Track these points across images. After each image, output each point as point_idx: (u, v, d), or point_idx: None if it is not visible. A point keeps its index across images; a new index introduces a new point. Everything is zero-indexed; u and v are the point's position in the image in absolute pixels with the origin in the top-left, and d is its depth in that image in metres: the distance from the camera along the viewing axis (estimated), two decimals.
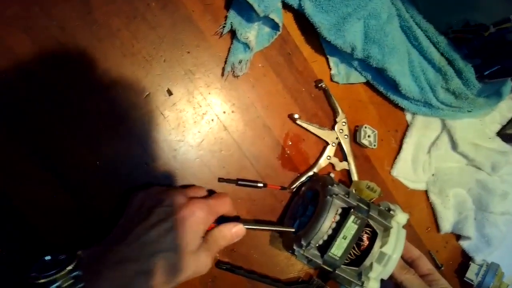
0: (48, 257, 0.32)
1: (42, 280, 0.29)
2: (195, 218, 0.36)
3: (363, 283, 0.43)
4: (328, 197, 0.42)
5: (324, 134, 0.53)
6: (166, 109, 0.44)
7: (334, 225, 0.43)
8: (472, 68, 0.49)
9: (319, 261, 0.42)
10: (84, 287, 0.30)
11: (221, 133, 0.47)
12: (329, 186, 0.43)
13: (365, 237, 0.45)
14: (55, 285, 0.29)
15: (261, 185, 0.49)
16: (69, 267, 0.30)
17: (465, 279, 0.60)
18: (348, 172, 0.55)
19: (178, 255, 0.34)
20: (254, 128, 0.49)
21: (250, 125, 0.49)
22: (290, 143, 0.52)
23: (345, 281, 0.43)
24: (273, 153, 0.51)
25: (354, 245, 0.44)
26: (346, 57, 0.52)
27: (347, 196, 0.43)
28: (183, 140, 0.45)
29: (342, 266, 0.43)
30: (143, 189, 0.39)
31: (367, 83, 0.55)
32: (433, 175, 0.58)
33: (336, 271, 0.42)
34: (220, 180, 0.47)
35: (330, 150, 0.53)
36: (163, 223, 0.35)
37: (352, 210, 0.43)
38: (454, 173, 0.58)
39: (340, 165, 0.54)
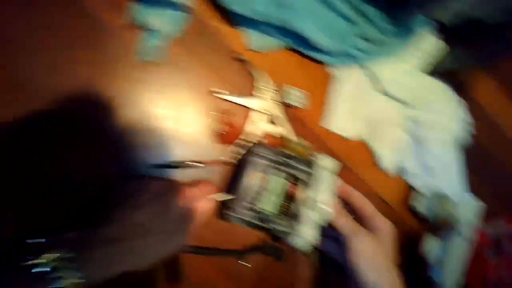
0: (39, 240, 0.32)
1: (36, 261, 0.30)
2: (179, 203, 0.40)
3: (296, 230, 0.45)
4: (250, 157, 0.45)
5: (252, 103, 0.55)
6: None
7: (261, 183, 0.45)
8: (383, 13, 0.51)
9: (254, 220, 0.44)
10: (77, 267, 0.31)
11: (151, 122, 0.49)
12: (251, 148, 0.45)
13: (294, 188, 0.47)
14: (49, 266, 0.30)
15: (199, 164, 0.51)
16: (62, 250, 0.31)
17: (413, 209, 0.64)
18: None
19: (164, 237, 0.39)
20: (183, 112, 0.51)
21: (180, 110, 0.51)
22: (223, 119, 0.54)
23: (282, 233, 0.46)
24: (206, 133, 0.53)
25: (285, 198, 0.46)
26: (260, 26, 0.53)
27: (269, 154, 0.45)
28: None
29: (277, 220, 0.45)
30: (135, 178, 0.43)
31: (288, 47, 0.57)
32: (365, 120, 0.61)
33: (271, 225, 0.45)
34: (153, 166, 0.48)
35: (260, 118, 0.55)
36: (151, 207, 0.39)
37: (273, 164, 0.45)
38: (385, 114, 0.61)
39: (276, 131, 0.56)
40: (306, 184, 0.46)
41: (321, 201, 0.45)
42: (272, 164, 0.45)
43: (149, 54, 0.49)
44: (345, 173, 0.60)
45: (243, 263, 0.54)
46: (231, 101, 0.54)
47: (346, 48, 0.54)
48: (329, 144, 0.61)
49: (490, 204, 0.64)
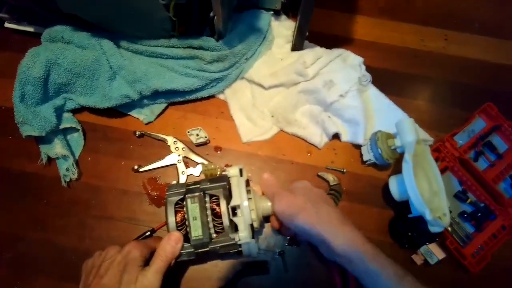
0: None
1: None
2: (133, 255, 0.45)
3: (234, 239, 0.48)
4: (166, 199, 0.50)
5: (167, 161, 0.63)
6: None
7: (184, 215, 0.49)
8: (206, 36, 0.60)
9: (192, 249, 0.48)
10: None
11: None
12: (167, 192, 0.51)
13: (215, 205, 0.50)
14: None
15: (148, 233, 0.58)
16: None
17: (365, 164, 0.64)
18: None
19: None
20: (114, 195, 0.60)
21: (111, 200, 0.60)
22: (151, 187, 0.62)
23: (224, 249, 0.49)
24: (144, 203, 0.60)
25: (213, 217, 0.49)
26: (137, 103, 0.63)
27: (178, 188, 0.50)
28: None
29: (216, 239, 0.48)
30: (87, 259, 0.49)
31: (170, 104, 0.66)
32: (272, 116, 0.66)
33: (210, 247, 0.48)
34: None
35: (180, 167, 0.62)
36: (110, 269, 0.44)
37: (185, 196, 0.50)
38: (283, 102, 0.65)
39: (198, 170, 0.63)
40: (224, 196, 0.49)
41: (246, 204, 0.48)
42: (186, 195, 0.49)
43: (67, 175, 0.60)
44: (290, 166, 0.64)
45: None
46: (153, 168, 0.63)
47: (210, 77, 0.62)
48: (261, 152, 0.65)
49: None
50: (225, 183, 0.50)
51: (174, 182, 0.61)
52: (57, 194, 0.60)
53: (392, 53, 0.74)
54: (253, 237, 0.49)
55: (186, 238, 0.49)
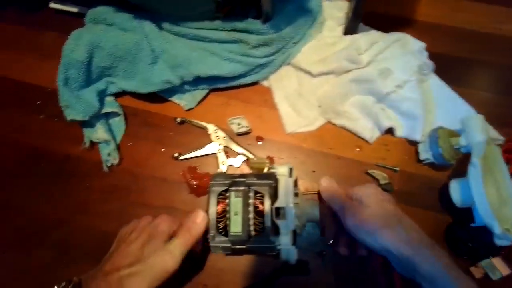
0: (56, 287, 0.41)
1: None
2: (161, 228, 0.46)
3: (274, 243, 0.45)
4: (209, 188, 0.48)
5: (207, 150, 0.60)
6: None
7: (225, 207, 0.47)
8: (252, 19, 0.55)
9: (228, 244, 0.46)
10: None
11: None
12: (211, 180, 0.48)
13: (259, 203, 0.48)
14: None
15: None
16: None
17: (421, 163, 0.58)
18: None
19: (146, 260, 0.43)
20: (154, 182, 0.59)
21: (151, 187, 0.59)
22: (190, 175, 0.60)
23: (260, 251, 0.46)
24: (183, 192, 0.59)
25: (255, 215, 0.47)
26: (178, 88, 0.61)
27: (224, 179, 0.48)
28: None
29: (252, 238, 0.46)
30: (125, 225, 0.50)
31: (212, 90, 0.63)
32: (319, 106, 0.61)
33: (248, 246, 0.46)
34: None
35: (220, 157, 0.60)
36: (139, 239, 0.45)
37: (229, 188, 0.47)
38: (332, 91, 0.60)
39: (238, 160, 0.60)
40: (270, 195, 0.47)
41: (290, 208, 0.45)
42: (230, 187, 0.47)
43: (109, 160, 0.59)
44: (336, 161, 0.60)
45: None
46: (193, 157, 0.61)
47: (255, 62, 0.58)
48: (305, 144, 0.61)
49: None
50: (272, 181, 0.47)
51: (219, 170, 0.59)
52: (99, 179, 0.60)
53: (459, 37, 0.65)
54: (294, 243, 0.46)
55: (224, 231, 0.47)
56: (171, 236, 0.46)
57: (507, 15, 0.67)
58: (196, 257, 0.50)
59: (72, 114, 0.55)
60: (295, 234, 0.47)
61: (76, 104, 0.55)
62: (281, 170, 0.49)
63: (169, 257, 0.44)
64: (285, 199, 0.45)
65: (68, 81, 0.55)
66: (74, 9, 0.65)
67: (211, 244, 0.47)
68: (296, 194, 0.47)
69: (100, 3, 0.58)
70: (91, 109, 0.56)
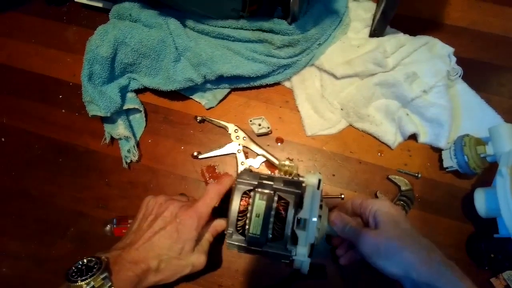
0: (82, 261, 0.42)
1: (81, 283, 0.39)
2: (187, 226, 0.46)
3: (290, 252, 0.44)
4: (235, 184, 0.47)
5: (227, 150, 0.60)
6: None
7: (248, 207, 0.46)
8: (277, 18, 0.55)
9: (244, 244, 0.45)
10: (111, 286, 0.40)
11: None
12: (236, 176, 0.48)
13: (281, 209, 0.47)
14: (90, 285, 0.39)
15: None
16: (100, 271, 0.40)
17: (445, 170, 0.56)
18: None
19: (176, 257, 0.45)
20: (172, 180, 0.59)
21: (169, 185, 0.59)
22: (209, 175, 0.60)
23: (274, 256, 0.45)
24: (201, 191, 0.59)
25: (275, 220, 0.46)
26: (200, 87, 0.61)
27: (251, 178, 0.47)
28: None
29: (269, 243, 0.45)
30: (153, 196, 0.50)
31: (233, 89, 0.62)
32: (342, 109, 0.60)
33: (263, 249, 0.45)
34: None
35: (240, 157, 0.60)
36: (163, 231, 0.45)
37: (255, 189, 0.46)
38: (356, 94, 0.58)
39: (258, 161, 0.59)
40: (295, 204, 0.46)
41: (314, 221, 0.44)
42: (256, 188, 0.46)
43: (128, 156, 0.59)
44: (357, 165, 0.59)
45: None
46: (212, 156, 0.60)
47: (278, 63, 0.57)
48: (326, 147, 0.61)
49: None
50: (300, 191, 0.46)
51: (246, 167, 0.59)
52: (118, 174, 0.60)
53: (489, 43, 0.64)
54: (309, 256, 0.45)
55: (242, 230, 0.46)
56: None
57: None
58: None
59: (95, 110, 0.56)
60: (312, 246, 0.46)
61: (99, 100, 0.55)
62: (309, 180, 0.48)
63: (198, 262, 0.46)
64: (309, 211, 0.45)
65: (92, 77, 0.55)
66: (99, 4, 0.65)
67: (227, 241, 0.46)
68: (320, 206, 0.46)
69: None
70: (113, 105, 0.56)
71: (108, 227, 0.55)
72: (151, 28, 0.56)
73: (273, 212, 0.46)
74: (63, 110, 0.64)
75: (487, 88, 0.60)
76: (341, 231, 0.47)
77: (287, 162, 0.56)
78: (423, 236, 0.42)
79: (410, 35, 0.61)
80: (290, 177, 0.49)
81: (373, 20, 0.60)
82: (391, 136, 0.58)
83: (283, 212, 0.46)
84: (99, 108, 0.55)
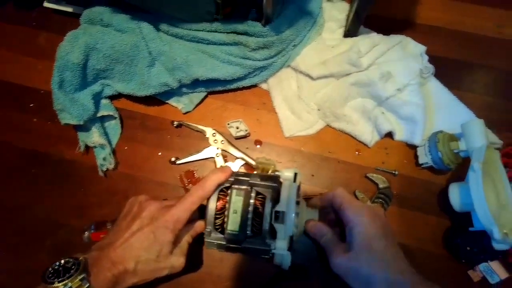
0: (60, 262, 0.41)
1: (58, 284, 0.38)
2: (163, 229, 0.45)
3: (269, 246, 0.44)
4: None
5: (205, 154, 0.60)
6: None
7: (225, 204, 0.46)
8: (251, 21, 0.55)
9: (223, 242, 0.45)
10: (89, 287, 0.38)
11: None
12: None
13: (259, 204, 0.46)
14: (68, 286, 0.37)
15: None
16: (77, 272, 0.39)
17: (420, 167, 0.57)
18: None
19: (154, 258, 0.44)
20: (151, 187, 0.59)
21: (148, 192, 0.58)
22: (188, 180, 0.59)
23: (254, 252, 0.45)
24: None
25: (254, 216, 0.46)
26: (176, 91, 0.60)
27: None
28: None
29: (248, 239, 0.45)
30: (135, 196, 0.49)
31: (210, 92, 0.62)
32: (319, 109, 0.60)
33: (243, 245, 0.45)
34: None
35: (219, 161, 0.59)
36: (140, 232, 0.44)
37: (231, 185, 0.46)
38: (332, 94, 0.59)
39: (237, 164, 0.59)
40: (272, 198, 0.46)
41: (291, 214, 0.44)
42: (233, 185, 0.46)
43: (104, 165, 0.58)
44: (336, 164, 0.59)
45: None
46: (191, 161, 0.60)
47: (253, 65, 0.57)
48: (304, 148, 0.61)
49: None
50: (276, 185, 0.46)
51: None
52: (95, 183, 0.59)
53: (460, 41, 0.65)
54: (289, 249, 0.45)
55: (221, 228, 0.46)
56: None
57: (508, 18, 0.66)
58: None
59: (67, 118, 0.54)
60: (291, 240, 0.47)
61: (71, 107, 0.53)
62: (286, 174, 0.48)
63: (176, 264, 0.46)
64: (286, 204, 0.45)
65: (63, 84, 0.53)
66: (69, 9, 0.63)
67: (206, 239, 0.46)
68: (297, 202, 0.47)
69: (96, 3, 0.57)
70: (86, 113, 0.55)
71: (86, 234, 0.54)
72: (123, 33, 0.55)
73: (250, 208, 0.46)
74: (35, 119, 0.62)
75: (460, 85, 0.62)
76: (318, 239, 0.47)
77: (263, 160, 0.56)
78: (400, 248, 0.42)
79: (384, 34, 0.62)
80: (268, 173, 0.49)
81: (347, 21, 0.60)
82: (368, 135, 0.59)
83: (260, 207, 0.46)
84: (72, 116, 0.54)
